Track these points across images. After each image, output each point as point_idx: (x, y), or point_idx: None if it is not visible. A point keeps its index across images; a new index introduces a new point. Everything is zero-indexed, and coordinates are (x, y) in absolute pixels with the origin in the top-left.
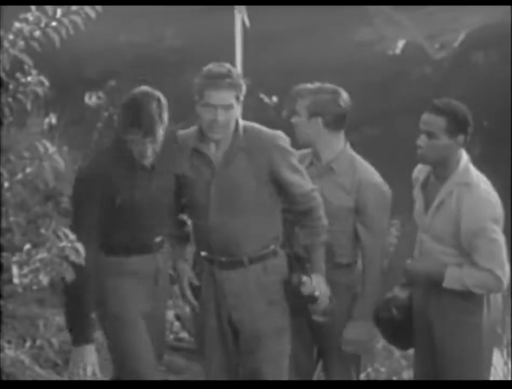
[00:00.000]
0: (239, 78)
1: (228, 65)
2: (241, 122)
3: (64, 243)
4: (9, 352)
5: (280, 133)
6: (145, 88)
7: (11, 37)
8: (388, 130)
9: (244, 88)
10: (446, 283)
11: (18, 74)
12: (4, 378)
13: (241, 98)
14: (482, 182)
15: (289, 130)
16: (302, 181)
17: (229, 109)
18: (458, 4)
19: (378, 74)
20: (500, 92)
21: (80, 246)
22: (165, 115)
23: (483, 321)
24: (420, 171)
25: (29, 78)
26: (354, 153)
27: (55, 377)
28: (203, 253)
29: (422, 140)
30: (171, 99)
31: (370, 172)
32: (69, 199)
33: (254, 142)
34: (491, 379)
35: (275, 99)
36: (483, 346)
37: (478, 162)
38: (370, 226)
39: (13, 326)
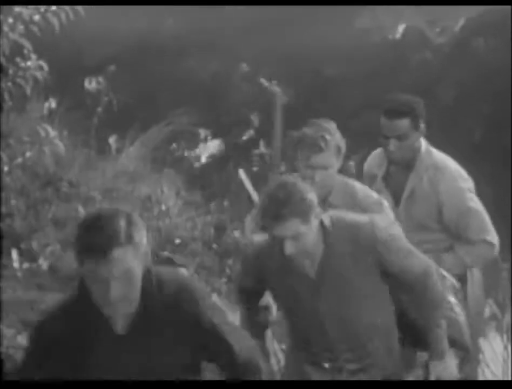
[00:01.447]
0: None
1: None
2: (325, 217)
3: None
4: (9, 337)
5: (373, 218)
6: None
7: (10, 20)
8: None
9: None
10: (448, 271)
11: (18, 59)
12: (4, 362)
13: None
14: (447, 160)
15: (289, 117)
16: (414, 262)
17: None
18: (458, 4)
19: (379, 60)
20: (501, 78)
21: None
22: (139, 237)
23: (468, 298)
24: (376, 166)
25: (29, 63)
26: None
27: None
28: (326, 365)
29: (393, 145)
30: (170, 86)
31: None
32: None
33: (348, 237)
34: (491, 364)
35: (274, 83)
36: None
37: (478, 147)
38: None
39: (13, 310)
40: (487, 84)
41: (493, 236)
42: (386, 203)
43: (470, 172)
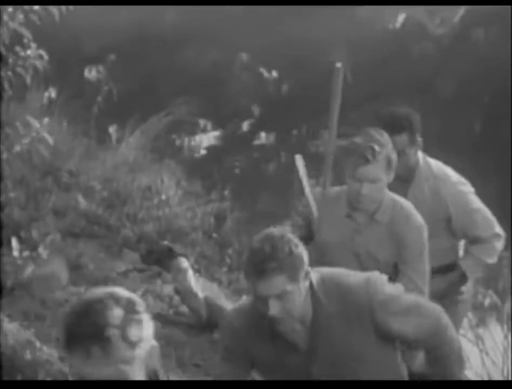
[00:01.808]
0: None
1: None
2: (314, 277)
3: None
4: (9, 326)
5: (370, 277)
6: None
7: (10, 9)
8: (389, 105)
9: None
10: (471, 276)
11: (18, 48)
12: (4, 351)
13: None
14: (445, 168)
15: (290, 106)
16: (422, 320)
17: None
18: (458, 4)
19: (379, 50)
20: (501, 68)
21: None
22: (134, 333)
23: (470, 296)
24: None
25: (28, 52)
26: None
27: (55, 352)
28: None
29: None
30: (170, 75)
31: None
32: None
33: (340, 300)
34: (491, 354)
35: (274, 73)
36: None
37: (479, 138)
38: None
39: (13, 300)
40: (487, 74)
41: (499, 227)
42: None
43: (470, 163)
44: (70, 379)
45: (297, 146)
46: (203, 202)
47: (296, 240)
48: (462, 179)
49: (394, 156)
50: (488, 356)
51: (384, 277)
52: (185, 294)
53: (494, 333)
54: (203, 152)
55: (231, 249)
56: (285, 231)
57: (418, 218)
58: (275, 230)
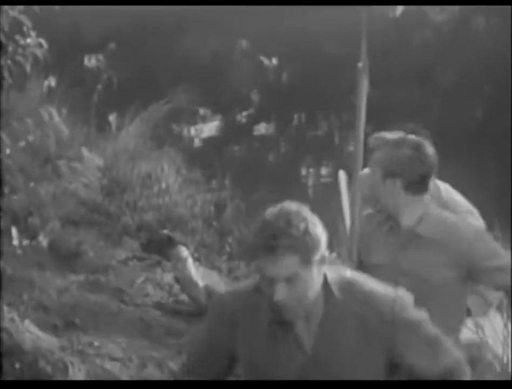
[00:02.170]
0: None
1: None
2: (330, 273)
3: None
4: (9, 315)
5: (399, 295)
6: None
7: None
8: (389, 94)
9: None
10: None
11: (17, 36)
12: (4, 340)
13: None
14: (453, 194)
15: (290, 95)
16: (443, 359)
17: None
18: (458, 4)
19: (379, 38)
20: (501, 56)
21: None
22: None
23: None
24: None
25: (28, 40)
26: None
27: (55, 340)
28: None
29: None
30: (170, 63)
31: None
32: None
33: (359, 309)
34: (491, 341)
35: (274, 61)
36: None
37: (479, 126)
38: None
39: (12, 289)
40: (487, 62)
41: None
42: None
43: (471, 151)
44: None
45: (297, 134)
46: (203, 190)
47: (315, 218)
48: (470, 207)
49: (434, 159)
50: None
51: (412, 297)
52: (185, 282)
53: (494, 321)
54: (203, 140)
55: (231, 237)
56: (304, 207)
57: (469, 223)
58: (292, 204)
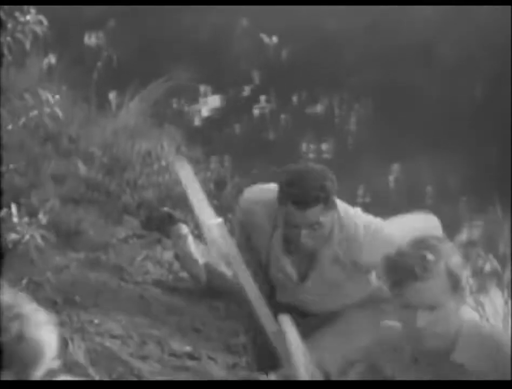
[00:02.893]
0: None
1: None
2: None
3: None
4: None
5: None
6: None
7: None
8: (389, 71)
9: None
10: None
11: (17, 13)
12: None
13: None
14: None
15: (290, 72)
16: None
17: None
18: (458, 4)
19: (378, 15)
20: (502, 34)
21: None
22: None
23: None
24: (267, 217)
25: (28, 17)
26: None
27: (54, 316)
28: None
29: (306, 236)
30: (170, 41)
31: None
32: None
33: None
34: (492, 320)
35: (275, 39)
36: None
37: (480, 105)
38: None
39: (12, 265)
40: (487, 40)
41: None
42: None
43: (471, 129)
44: None
45: (297, 111)
46: (203, 168)
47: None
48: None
49: (462, 271)
50: (488, 322)
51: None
52: (185, 260)
53: (495, 299)
54: (203, 117)
55: (231, 215)
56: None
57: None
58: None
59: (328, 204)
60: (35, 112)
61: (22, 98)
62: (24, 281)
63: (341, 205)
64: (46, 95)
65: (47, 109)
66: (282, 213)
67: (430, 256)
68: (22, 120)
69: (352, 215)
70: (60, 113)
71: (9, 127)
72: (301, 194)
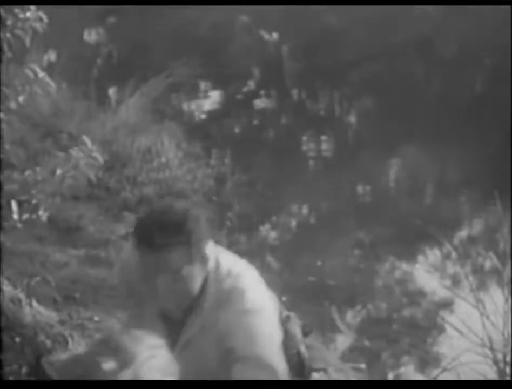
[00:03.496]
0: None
1: None
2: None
3: None
4: (8, 289)
5: None
6: None
7: None
8: (389, 66)
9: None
10: None
11: (17, 10)
12: (4, 314)
13: None
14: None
15: (290, 69)
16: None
17: None
18: (458, 4)
19: (379, 8)
20: (502, 27)
21: None
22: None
23: None
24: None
25: (28, 14)
26: None
27: (54, 314)
28: None
29: (163, 284)
30: (170, 37)
31: None
32: None
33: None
34: (492, 317)
35: (275, 35)
36: None
37: (480, 98)
38: None
39: (12, 262)
40: (488, 33)
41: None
42: None
43: (471, 122)
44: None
45: (297, 108)
46: (204, 165)
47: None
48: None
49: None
50: (489, 320)
51: None
52: None
53: (495, 296)
54: (203, 113)
55: (231, 212)
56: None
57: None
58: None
59: (191, 251)
60: (25, 95)
61: (13, 87)
62: (24, 279)
63: (226, 260)
64: (34, 70)
65: (39, 90)
66: (137, 255)
67: None
68: (13, 104)
69: (234, 275)
70: (52, 84)
71: (1, 115)
72: (155, 232)
